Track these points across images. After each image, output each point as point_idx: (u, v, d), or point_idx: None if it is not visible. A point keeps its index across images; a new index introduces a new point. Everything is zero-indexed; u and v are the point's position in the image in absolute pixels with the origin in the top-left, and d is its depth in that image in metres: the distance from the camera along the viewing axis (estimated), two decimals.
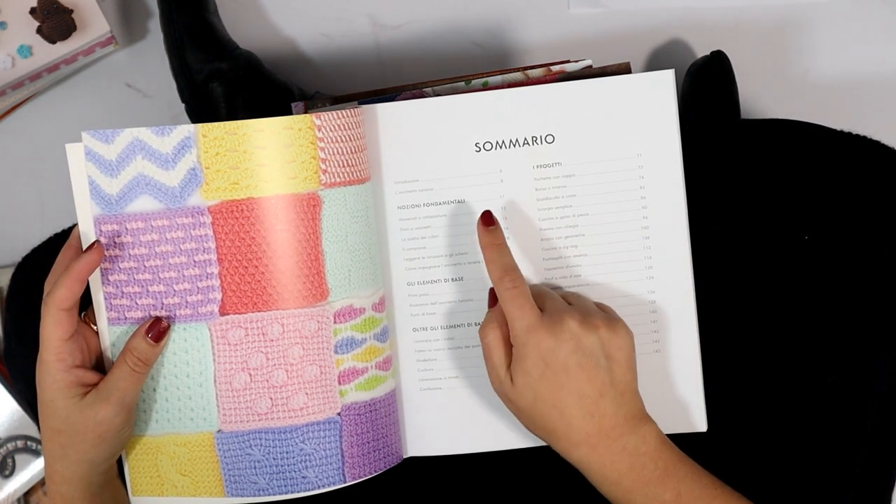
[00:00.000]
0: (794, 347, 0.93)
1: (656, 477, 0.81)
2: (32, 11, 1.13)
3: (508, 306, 0.83)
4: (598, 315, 0.84)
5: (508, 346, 0.83)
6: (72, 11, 1.13)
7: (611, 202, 0.88)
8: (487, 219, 0.87)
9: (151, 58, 1.22)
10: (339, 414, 0.85)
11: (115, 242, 0.84)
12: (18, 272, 1.06)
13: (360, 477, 0.86)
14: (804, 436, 0.93)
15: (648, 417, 0.83)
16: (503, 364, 0.83)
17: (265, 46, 1.22)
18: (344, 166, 0.84)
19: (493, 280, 0.85)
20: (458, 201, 0.89)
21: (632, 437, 0.81)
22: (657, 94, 0.88)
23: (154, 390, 0.86)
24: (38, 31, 1.13)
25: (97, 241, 0.83)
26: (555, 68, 0.93)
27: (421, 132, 0.89)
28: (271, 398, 0.84)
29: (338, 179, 0.84)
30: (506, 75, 0.93)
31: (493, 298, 0.87)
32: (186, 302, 0.84)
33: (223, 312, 0.84)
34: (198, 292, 0.84)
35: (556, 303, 0.84)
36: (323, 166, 0.83)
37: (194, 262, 0.84)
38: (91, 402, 0.81)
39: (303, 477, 0.85)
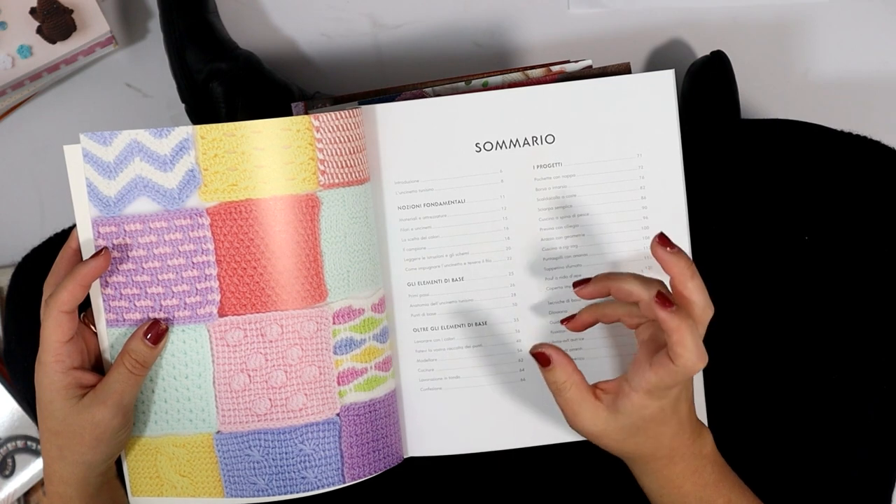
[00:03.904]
0: (796, 347, 0.93)
1: (713, 481, 0.81)
2: (32, 11, 1.13)
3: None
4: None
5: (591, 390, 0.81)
6: (72, 11, 1.13)
7: (611, 202, 0.88)
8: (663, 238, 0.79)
9: (151, 58, 1.22)
10: (338, 414, 0.85)
11: (113, 244, 0.84)
12: (18, 272, 1.06)
13: (360, 477, 0.86)
14: (805, 434, 0.93)
15: (703, 423, 0.83)
16: (594, 404, 0.80)
17: (265, 46, 1.22)
18: (342, 167, 0.84)
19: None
20: (459, 201, 0.89)
21: (698, 440, 0.82)
22: (657, 94, 0.88)
23: (153, 392, 0.86)
24: (38, 31, 1.13)
25: (105, 249, 0.83)
26: (555, 68, 0.93)
27: (421, 132, 0.89)
28: (270, 399, 0.84)
29: (336, 180, 0.84)
30: (506, 75, 0.93)
31: (544, 358, 0.80)
32: (185, 303, 0.84)
33: (222, 314, 0.84)
34: (196, 294, 0.84)
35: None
36: (321, 167, 0.83)
37: (193, 263, 0.83)
38: (88, 403, 0.81)
39: (302, 477, 0.84)
